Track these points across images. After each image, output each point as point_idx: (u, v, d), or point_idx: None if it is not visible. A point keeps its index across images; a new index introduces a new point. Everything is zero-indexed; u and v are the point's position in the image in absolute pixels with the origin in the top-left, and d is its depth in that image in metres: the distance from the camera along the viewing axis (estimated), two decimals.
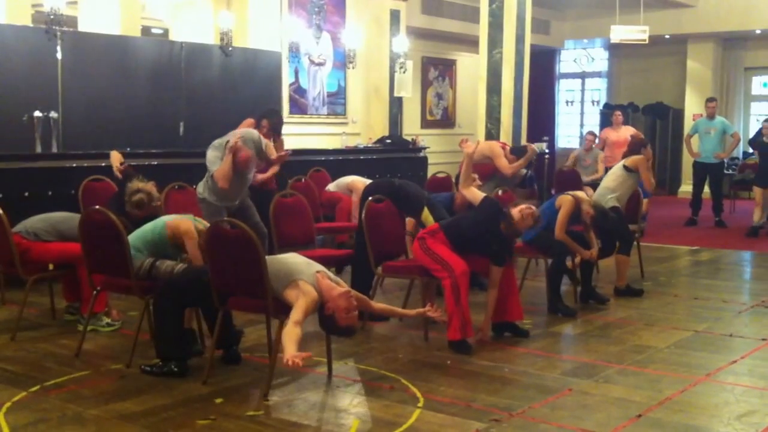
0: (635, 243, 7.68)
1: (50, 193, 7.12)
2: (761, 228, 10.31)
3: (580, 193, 6.49)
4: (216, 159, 6.07)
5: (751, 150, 11.63)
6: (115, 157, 6.54)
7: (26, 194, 6.96)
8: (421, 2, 13.56)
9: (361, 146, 11.39)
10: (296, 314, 4.09)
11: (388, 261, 5.79)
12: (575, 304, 6.41)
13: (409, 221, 6.17)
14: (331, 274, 4.42)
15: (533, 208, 5.49)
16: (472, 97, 12.67)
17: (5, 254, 5.34)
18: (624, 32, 13.06)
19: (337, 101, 12.30)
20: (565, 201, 6.24)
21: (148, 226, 4.98)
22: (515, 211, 5.35)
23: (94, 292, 4.98)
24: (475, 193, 5.56)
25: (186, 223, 4.91)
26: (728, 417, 4.02)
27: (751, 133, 10.96)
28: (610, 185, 7.04)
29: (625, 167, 7.06)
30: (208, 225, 4.94)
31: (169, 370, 4.49)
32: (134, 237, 4.87)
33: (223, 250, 4.36)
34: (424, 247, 5.31)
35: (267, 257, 4.38)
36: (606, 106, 17.19)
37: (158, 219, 5.05)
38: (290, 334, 3.98)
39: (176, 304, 4.53)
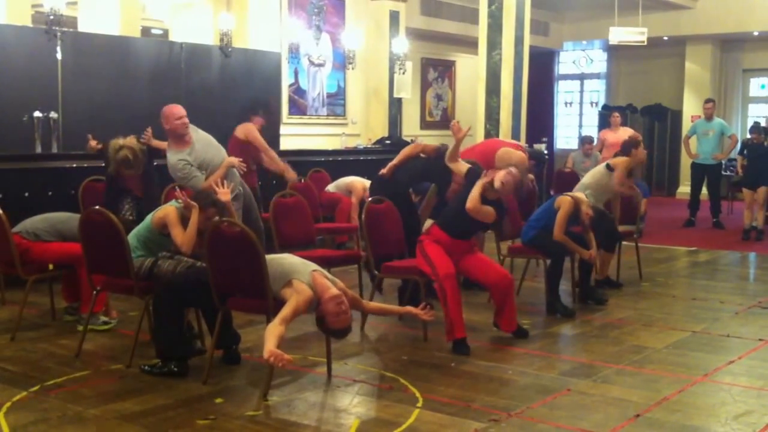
0: (635, 244, 7.72)
1: (50, 193, 7.13)
2: (752, 230, 10.30)
3: (579, 194, 6.51)
4: (194, 174, 5.96)
5: (739, 154, 11.58)
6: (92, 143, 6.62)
7: (26, 194, 6.97)
8: (421, 3, 13.58)
9: (361, 147, 11.42)
10: (284, 312, 4.11)
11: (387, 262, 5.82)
12: (573, 304, 6.42)
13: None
14: (328, 274, 4.43)
15: (513, 172, 5.38)
16: (472, 98, 12.70)
17: (5, 254, 5.35)
18: (622, 34, 13.10)
19: (336, 102, 12.32)
20: (564, 202, 6.26)
21: (141, 224, 5.00)
22: (496, 181, 5.30)
23: (94, 292, 4.99)
24: (460, 166, 5.54)
25: (166, 208, 4.92)
26: (726, 417, 4.04)
27: (749, 135, 10.98)
28: (585, 181, 7.07)
29: (607, 166, 7.08)
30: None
31: (169, 370, 4.50)
32: (131, 236, 4.89)
33: (223, 250, 4.38)
34: (421, 249, 5.35)
35: (267, 256, 4.40)
36: (604, 107, 17.22)
37: (148, 215, 5.06)
38: (272, 331, 4.00)
39: (176, 304, 4.54)
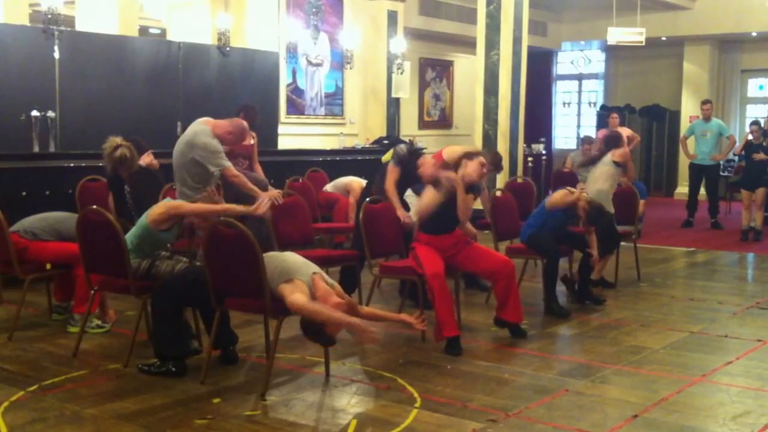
0: (633, 245, 7.73)
1: (48, 192, 7.12)
2: (750, 231, 10.31)
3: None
4: (222, 155, 5.92)
5: (737, 156, 11.61)
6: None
7: (24, 194, 6.96)
8: (419, 3, 13.59)
9: (359, 147, 11.41)
10: (303, 297, 4.11)
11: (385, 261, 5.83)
12: (570, 305, 6.42)
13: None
14: (327, 277, 4.43)
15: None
16: (470, 98, 12.71)
17: (3, 253, 5.33)
18: (621, 34, 13.11)
19: (334, 102, 12.32)
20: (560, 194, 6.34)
21: (135, 226, 4.96)
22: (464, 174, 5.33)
23: (92, 291, 4.98)
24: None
25: (161, 203, 4.94)
26: (723, 417, 4.04)
27: (749, 128, 10.98)
28: (601, 187, 7.02)
29: (614, 162, 7.09)
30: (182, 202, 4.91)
31: (167, 370, 4.50)
32: (129, 238, 4.84)
33: (221, 250, 4.37)
34: (413, 254, 5.37)
35: (268, 253, 4.42)
36: (603, 107, 17.23)
37: (143, 216, 5.02)
38: (325, 308, 4.06)
39: (175, 303, 4.53)
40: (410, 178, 6.19)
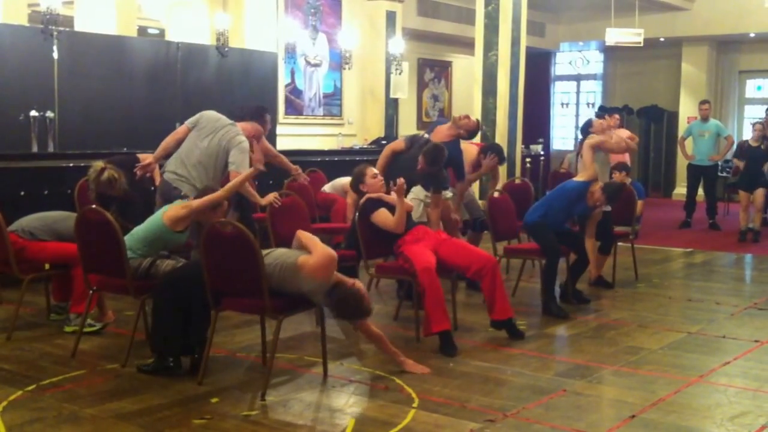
0: (631, 245, 7.73)
1: (46, 192, 7.11)
2: (749, 232, 10.33)
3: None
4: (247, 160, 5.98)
5: (734, 156, 11.63)
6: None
7: (22, 193, 6.95)
8: (417, 4, 13.60)
9: (357, 147, 11.41)
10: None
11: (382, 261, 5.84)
12: (569, 305, 6.42)
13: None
14: None
15: None
16: (468, 98, 12.71)
17: (1, 253, 5.32)
18: (619, 35, 13.13)
19: (333, 102, 12.33)
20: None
21: (143, 226, 4.95)
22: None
23: (90, 292, 4.98)
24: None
25: (178, 204, 4.98)
26: (721, 418, 4.05)
27: (745, 136, 11.01)
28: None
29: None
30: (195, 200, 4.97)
31: (166, 366, 4.48)
32: (131, 239, 4.84)
33: (219, 250, 4.36)
34: (402, 255, 5.37)
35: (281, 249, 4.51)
36: (601, 108, 17.22)
37: (151, 217, 5.01)
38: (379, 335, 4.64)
39: (174, 301, 4.51)
40: (409, 163, 6.26)
